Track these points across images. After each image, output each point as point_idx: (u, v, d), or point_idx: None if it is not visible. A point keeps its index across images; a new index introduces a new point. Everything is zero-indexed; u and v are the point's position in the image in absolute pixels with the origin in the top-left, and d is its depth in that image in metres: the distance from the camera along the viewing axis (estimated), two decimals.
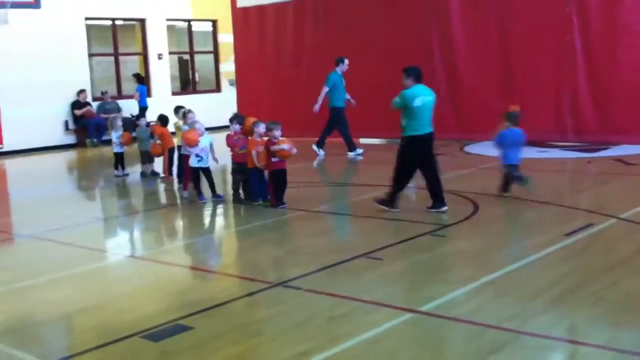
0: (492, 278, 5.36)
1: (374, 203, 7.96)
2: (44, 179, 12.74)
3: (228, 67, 20.50)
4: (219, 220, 8.75)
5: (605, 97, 12.73)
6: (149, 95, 18.63)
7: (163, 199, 10.33)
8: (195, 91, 21.10)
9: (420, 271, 5.80)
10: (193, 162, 8.99)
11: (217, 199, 9.03)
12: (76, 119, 17.53)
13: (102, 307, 5.22)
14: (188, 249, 7.21)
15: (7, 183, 13.31)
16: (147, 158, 11.57)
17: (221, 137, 9.48)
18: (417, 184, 8.45)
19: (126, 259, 6.92)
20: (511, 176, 8.30)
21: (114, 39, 18.97)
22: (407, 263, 6.03)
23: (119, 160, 11.74)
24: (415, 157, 7.78)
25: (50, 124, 17.13)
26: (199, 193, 9.04)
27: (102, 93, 18.41)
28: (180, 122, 10.69)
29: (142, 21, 19.17)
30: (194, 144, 8.87)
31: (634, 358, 3.92)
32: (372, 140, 14.72)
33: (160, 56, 19.45)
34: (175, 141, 10.84)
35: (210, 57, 21.42)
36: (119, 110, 17.84)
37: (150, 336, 4.48)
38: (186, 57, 21.86)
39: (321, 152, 13.19)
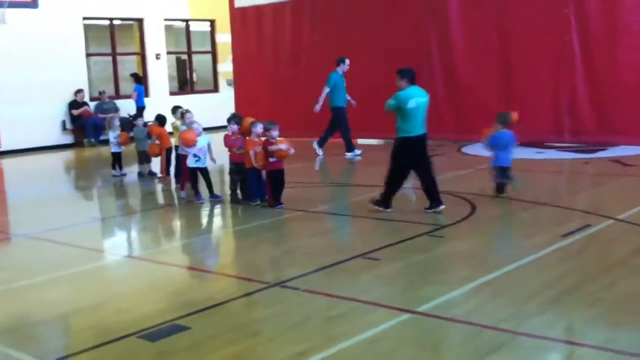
0: (490, 279, 5.37)
1: (369, 204, 7.98)
2: (41, 179, 12.73)
3: (226, 67, 20.49)
4: (217, 221, 8.75)
5: (603, 98, 12.75)
6: (146, 95, 18.62)
7: (160, 199, 10.32)
8: (193, 91, 21.11)
9: (417, 272, 5.80)
10: (191, 162, 8.99)
11: (215, 199, 9.03)
12: (74, 119, 17.53)
13: (99, 307, 5.21)
14: (185, 249, 7.21)
15: (4, 183, 13.29)
16: (144, 158, 11.56)
17: (219, 137, 9.47)
18: (414, 184, 8.45)
19: (123, 259, 6.91)
20: (499, 179, 8.35)
21: (112, 38, 18.96)
22: (404, 263, 6.03)
23: (117, 160, 11.74)
24: (408, 158, 7.79)
25: (47, 123, 17.12)
26: (197, 193, 9.04)
27: (100, 93, 18.41)
28: (178, 122, 10.68)
29: (139, 21, 19.17)
30: (191, 144, 8.87)
31: (631, 359, 3.92)
32: (370, 141, 14.73)
33: (158, 56, 19.44)
34: (173, 141, 10.84)
35: (208, 57, 21.42)
36: (116, 110, 17.82)
37: (147, 336, 4.48)
38: (184, 57, 21.86)
39: (320, 152, 13.20)
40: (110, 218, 9.20)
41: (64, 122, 17.54)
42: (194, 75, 21.93)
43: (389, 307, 4.86)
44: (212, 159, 9.12)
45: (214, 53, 21.20)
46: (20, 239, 7.87)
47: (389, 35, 14.80)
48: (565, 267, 5.64)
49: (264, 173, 8.52)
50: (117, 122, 11.87)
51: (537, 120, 13.11)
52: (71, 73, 17.36)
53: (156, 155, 11.27)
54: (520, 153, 12.30)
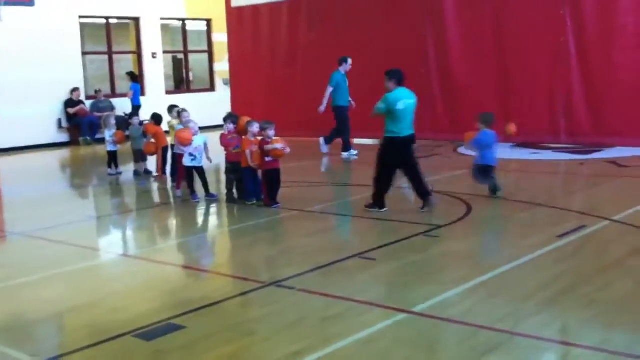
0: (485, 279, 5.37)
1: (364, 208, 8.00)
2: (36, 177, 12.70)
3: (222, 66, 20.48)
4: (212, 220, 8.74)
5: (599, 99, 12.78)
6: (142, 94, 18.59)
7: (156, 198, 10.30)
8: (189, 90, 21.08)
9: (413, 272, 5.80)
10: (186, 161, 8.98)
11: (211, 198, 9.02)
12: (69, 117, 17.49)
13: (94, 306, 5.20)
14: (181, 248, 7.20)
15: None
16: (140, 156, 11.54)
17: (215, 136, 9.46)
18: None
19: (119, 257, 6.89)
20: (482, 179, 8.43)
21: (108, 37, 18.92)
22: (400, 263, 6.03)
23: (112, 158, 11.73)
24: (395, 158, 7.83)
25: (43, 122, 17.09)
26: (193, 192, 9.03)
27: (96, 91, 18.38)
28: (174, 121, 10.67)
29: (136, 20, 19.14)
30: (187, 143, 8.86)
31: None
32: (366, 141, 14.72)
33: (154, 55, 19.42)
34: (169, 140, 10.82)
35: (205, 56, 21.40)
36: (112, 108, 17.80)
37: (142, 335, 4.47)
38: (180, 56, 21.84)
39: (325, 149, 13.22)
40: (105, 217, 9.18)
41: (59, 121, 17.51)
42: (190, 74, 21.91)
43: (384, 307, 4.86)
44: (209, 159, 9.11)
45: (210, 52, 21.18)
46: (15, 237, 7.85)
47: (386, 35, 14.81)
48: (560, 268, 5.65)
49: (260, 172, 8.51)
50: (112, 121, 11.85)
51: (533, 121, 13.15)
52: (67, 71, 17.34)
53: (152, 154, 11.25)
54: (516, 154, 12.36)
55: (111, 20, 19.07)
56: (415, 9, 14.65)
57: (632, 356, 3.95)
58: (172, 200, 9.63)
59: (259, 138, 8.40)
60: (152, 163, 11.53)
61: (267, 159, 8.28)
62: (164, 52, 20.11)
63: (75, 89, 17.49)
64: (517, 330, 4.33)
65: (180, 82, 22.84)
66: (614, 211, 7.45)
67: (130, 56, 20.03)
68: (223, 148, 8.84)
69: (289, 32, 16.80)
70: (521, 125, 12.46)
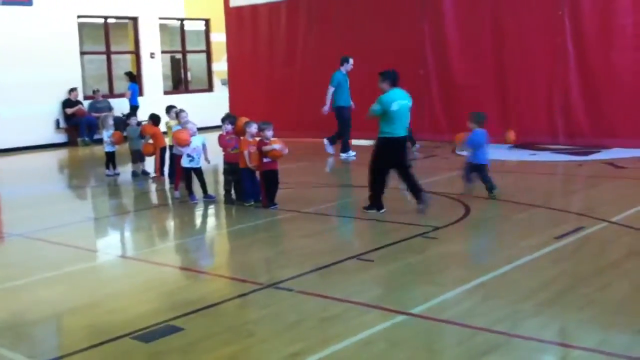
0: (484, 280, 5.38)
1: (363, 210, 8.01)
2: (34, 178, 12.69)
3: (220, 66, 20.48)
4: (211, 221, 8.73)
5: (597, 101, 12.79)
6: (140, 94, 18.58)
7: (154, 199, 10.30)
8: (187, 90, 21.08)
9: (411, 273, 5.81)
10: (184, 162, 8.98)
11: (209, 199, 9.02)
12: (67, 118, 17.48)
13: (92, 307, 5.20)
14: (179, 250, 7.20)
15: None
16: (137, 157, 11.53)
17: (213, 137, 9.46)
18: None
19: (117, 258, 6.90)
20: (467, 178, 8.58)
21: (106, 37, 18.91)
22: (398, 265, 6.03)
23: (110, 159, 11.71)
24: (389, 158, 7.85)
25: (41, 122, 17.07)
26: (191, 193, 9.02)
27: (94, 91, 18.38)
28: (172, 122, 10.67)
29: (134, 19, 19.12)
30: (184, 143, 8.86)
31: None
32: (363, 142, 14.71)
33: (152, 55, 19.41)
34: (167, 141, 10.82)
35: (203, 56, 21.40)
36: (110, 109, 17.77)
37: (141, 337, 4.47)
38: (178, 56, 21.84)
39: (330, 149, 13.18)
40: (103, 218, 9.18)
41: (57, 121, 17.49)
42: (189, 74, 21.90)
43: (383, 308, 4.86)
44: (207, 160, 9.11)
45: (208, 52, 21.18)
46: (13, 238, 7.84)
47: (385, 36, 14.80)
48: (559, 269, 5.66)
49: (258, 173, 8.51)
50: (110, 121, 11.83)
51: (532, 122, 13.16)
52: (65, 71, 17.31)
53: (150, 155, 11.24)
54: (515, 155, 12.36)
55: (109, 20, 19.06)
56: (414, 9, 14.66)
57: (630, 357, 3.96)
58: (170, 201, 9.63)
59: (257, 139, 8.40)
60: (150, 164, 11.52)
61: (265, 159, 8.28)
62: (162, 52, 20.10)
63: (73, 89, 17.47)
64: (516, 332, 4.33)
65: (178, 82, 22.83)
66: (612, 212, 7.46)
67: (128, 56, 20.02)
68: (221, 149, 8.84)
69: (287, 32, 16.80)
70: (520, 126, 12.52)
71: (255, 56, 17.51)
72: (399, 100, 7.72)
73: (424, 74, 14.53)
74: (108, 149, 11.61)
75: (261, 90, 17.06)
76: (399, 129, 7.76)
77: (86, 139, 17.27)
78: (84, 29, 18.87)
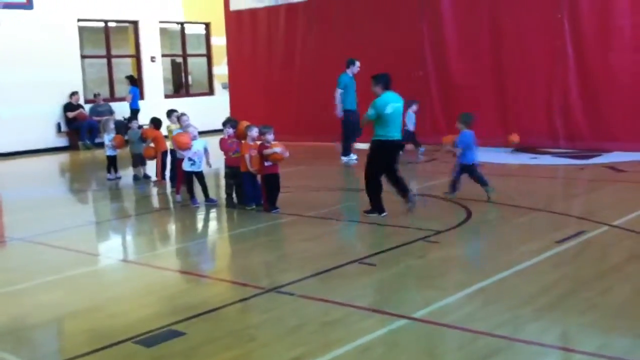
0: (485, 285, 5.38)
1: (364, 214, 8.02)
2: (36, 182, 12.70)
3: (221, 70, 20.51)
4: (212, 225, 8.74)
5: (595, 101, 12.80)
6: (141, 97, 18.60)
7: (156, 202, 10.30)
8: (188, 94, 21.10)
9: (413, 277, 5.81)
10: (186, 166, 8.98)
11: (210, 203, 9.02)
12: (68, 122, 17.50)
13: (94, 311, 5.21)
14: (180, 254, 7.20)
15: None
16: (139, 161, 11.54)
17: (214, 140, 9.46)
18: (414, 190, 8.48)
19: (118, 262, 6.90)
20: (456, 176, 8.69)
21: (107, 41, 18.94)
22: (400, 269, 6.03)
23: (112, 163, 11.72)
24: (384, 160, 7.88)
25: (42, 126, 17.09)
26: (192, 197, 9.03)
27: (95, 95, 18.40)
28: (173, 126, 10.67)
29: (134, 23, 19.15)
30: (184, 147, 8.86)
31: None
32: (362, 145, 14.72)
33: (153, 59, 19.43)
34: (168, 144, 10.82)
35: (203, 59, 21.43)
36: (111, 112, 17.80)
37: (142, 341, 4.47)
38: (179, 59, 21.86)
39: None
40: (105, 222, 9.18)
41: (59, 125, 17.51)
42: (189, 78, 21.92)
43: (384, 312, 4.86)
44: (209, 164, 9.12)
45: (209, 56, 21.21)
46: (14, 242, 7.84)
47: (384, 38, 14.82)
48: (560, 273, 5.66)
49: (259, 177, 8.51)
50: (111, 125, 11.85)
51: (531, 126, 13.16)
52: (66, 75, 17.35)
53: (151, 159, 11.24)
54: (516, 158, 12.37)
55: (110, 24, 19.09)
56: (413, 11, 14.67)
57: None
58: (171, 205, 9.64)
59: (258, 142, 8.41)
60: (151, 167, 11.53)
61: (266, 163, 8.29)
62: (163, 55, 20.14)
63: (74, 93, 17.49)
64: (517, 336, 4.34)
65: (179, 85, 22.85)
66: (613, 216, 7.46)
67: (129, 60, 20.04)
68: (222, 152, 8.84)
69: (287, 35, 16.83)
70: (518, 127, 12.52)
71: (255, 59, 17.54)
72: (393, 103, 7.77)
73: (424, 75, 14.54)
74: (109, 152, 11.62)
75: (262, 94, 17.09)
76: (393, 132, 7.81)
77: (87, 142, 17.28)
78: (85, 33, 18.90)
